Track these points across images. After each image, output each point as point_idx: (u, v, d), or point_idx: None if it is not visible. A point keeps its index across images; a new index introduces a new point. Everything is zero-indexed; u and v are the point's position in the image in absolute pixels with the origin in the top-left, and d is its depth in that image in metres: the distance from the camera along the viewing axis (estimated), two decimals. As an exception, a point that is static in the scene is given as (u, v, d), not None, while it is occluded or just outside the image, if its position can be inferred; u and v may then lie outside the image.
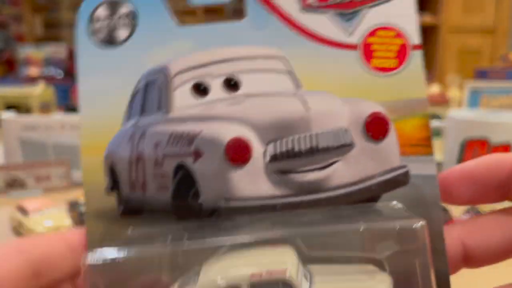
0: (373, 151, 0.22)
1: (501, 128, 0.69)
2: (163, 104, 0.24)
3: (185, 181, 0.22)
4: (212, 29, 0.23)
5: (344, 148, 0.22)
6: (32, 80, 2.60)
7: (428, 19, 2.92)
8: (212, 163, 0.22)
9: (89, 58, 0.23)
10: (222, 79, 0.23)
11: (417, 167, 0.22)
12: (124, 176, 0.23)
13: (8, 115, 0.89)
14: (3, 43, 4.40)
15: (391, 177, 0.22)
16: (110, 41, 0.23)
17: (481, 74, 1.33)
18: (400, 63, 0.22)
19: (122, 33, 0.23)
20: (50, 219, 0.60)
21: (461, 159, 0.71)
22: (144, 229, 0.22)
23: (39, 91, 1.30)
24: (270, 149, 0.22)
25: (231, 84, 0.23)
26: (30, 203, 0.63)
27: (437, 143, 0.49)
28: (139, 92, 0.23)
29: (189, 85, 0.23)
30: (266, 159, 0.22)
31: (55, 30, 4.86)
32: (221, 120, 0.22)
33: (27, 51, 3.06)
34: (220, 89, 0.23)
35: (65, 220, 0.60)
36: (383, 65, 0.22)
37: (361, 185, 0.22)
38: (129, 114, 0.23)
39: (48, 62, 3.06)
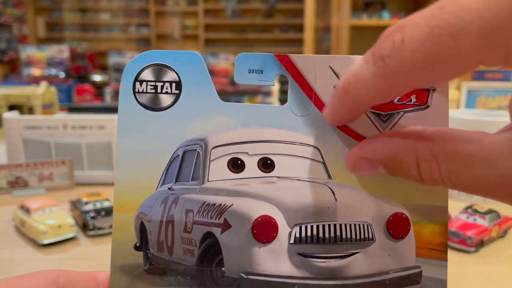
0: (391, 248, 0.23)
1: (498, 129, 0.69)
2: (199, 174, 0.25)
3: (211, 249, 0.23)
4: (254, 108, 0.24)
5: (365, 241, 0.23)
6: (34, 80, 2.61)
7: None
8: (238, 236, 0.23)
9: (130, 117, 0.23)
10: (258, 158, 0.24)
11: (430, 270, 0.23)
12: (153, 236, 0.24)
13: (11, 114, 0.90)
14: (6, 43, 4.41)
15: (405, 275, 0.23)
16: (152, 105, 0.23)
17: (478, 75, 1.33)
18: None
19: (165, 100, 0.23)
20: (52, 218, 0.60)
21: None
22: None
23: (41, 91, 1.31)
24: (295, 232, 0.23)
25: (266, 164, 0.24)
26: (32, 202, 0.64)
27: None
28: (176, 160, 0.24)
29: (226, 159, 0.24)
30: (290, 241, 0.23)
31: (57, 31, 4.87)
32: (252, 197, 0.23)
33: (29, 52, 3.07)
34: (255, 168, 0.24)
35: (68, 219, 0.60)
36: None
37: (376, 278, 0.23)
38: (164, 179, 0.24)
39: (51, 62, 3.07)
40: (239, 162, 0.24)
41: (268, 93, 2.28)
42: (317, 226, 0.23)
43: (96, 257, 0.56)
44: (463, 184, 0.16)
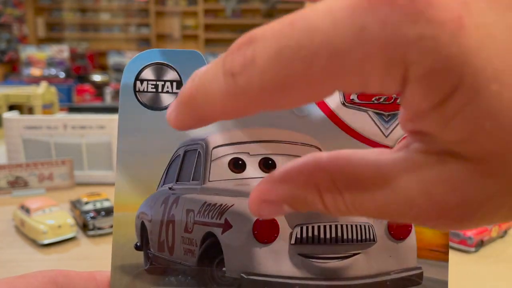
0: (392, 249, 0.23)
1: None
2: (200, 174, 0.24)
3: (212, 249, 0.23)
4: None
5: (366, 242, 0.23)
6: (34, 80, 2.61)
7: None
8: (239, 236, 0.23)
9: (131, 117, 0.23)
10: (259, 158, 0.24)
11: (431, 271, 0.23)
12: (154, 236, 0.24)
13: (11, 114, 0.90)
14: (6, 43, 4.41)
15: (406, 276, 0.23)
16: (153, 104, 0.23)
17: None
18: None
19: (166, 99, 0.23)
20: (52, 218, 0.60)
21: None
22: None
23: (41, 91, 1.31)
24: (296, 232, 0.23)
25: (268, 164, 0.24)
26: (32, 202, 0.64)
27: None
28: (177, 160, 0.24)
29: (227, 159, 0.24)
30: (291, 241, 0.23)
31: (57, 31, 4.87)
32: None
33: (29, 52, 3.08)
34: (256, 168, 0.24)
35: (68, 219, 0.60)
36: None
37: (377, 279, 0.23)
38: (165, 179, 0.24)
39: (51, 62, 3.08)
40: (240, 162, 0.24)
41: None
42: (318, 227, 0.23)
43: (96, 257, 0.56)
44: (369, 211, 0.15)
